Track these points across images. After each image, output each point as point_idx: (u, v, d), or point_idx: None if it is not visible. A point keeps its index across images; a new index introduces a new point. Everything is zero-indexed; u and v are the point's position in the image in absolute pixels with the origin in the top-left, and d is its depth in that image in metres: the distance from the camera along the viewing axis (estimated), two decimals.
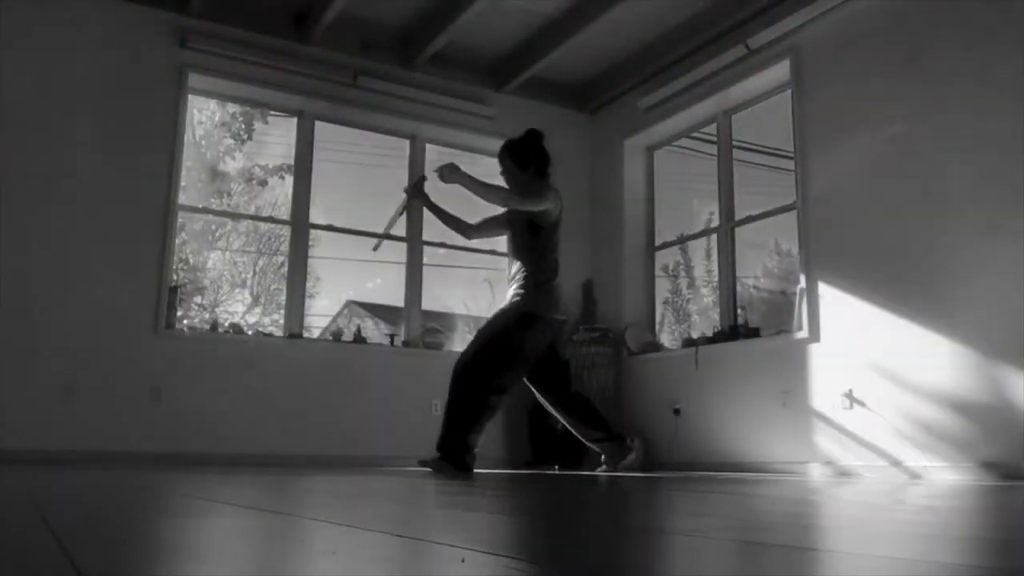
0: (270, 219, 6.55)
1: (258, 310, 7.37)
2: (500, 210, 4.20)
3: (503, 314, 4.05)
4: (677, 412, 5.73)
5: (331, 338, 6.08)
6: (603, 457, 4.28)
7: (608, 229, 6.68)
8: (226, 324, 5.80)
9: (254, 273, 7.49)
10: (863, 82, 4.83)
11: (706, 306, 6.70)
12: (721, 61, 5.66)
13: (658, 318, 6.63)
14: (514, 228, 4.14)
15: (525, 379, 4.13)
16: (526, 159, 4.13)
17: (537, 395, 4.20)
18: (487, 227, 4.36)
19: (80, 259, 5.04)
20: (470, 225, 4.39)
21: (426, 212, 4.75)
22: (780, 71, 5.43)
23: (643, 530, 1.36)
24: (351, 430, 5.60)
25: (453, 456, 3.92)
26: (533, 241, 4.04)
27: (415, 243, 6.33)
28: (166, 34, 5.49)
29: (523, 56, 6.29)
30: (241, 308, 7.07)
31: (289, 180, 6.29)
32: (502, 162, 4.24)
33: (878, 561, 0.96)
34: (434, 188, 4.44)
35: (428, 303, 6.42)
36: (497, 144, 6.70)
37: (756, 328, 5.57)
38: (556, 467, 5.77)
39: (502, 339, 3.96)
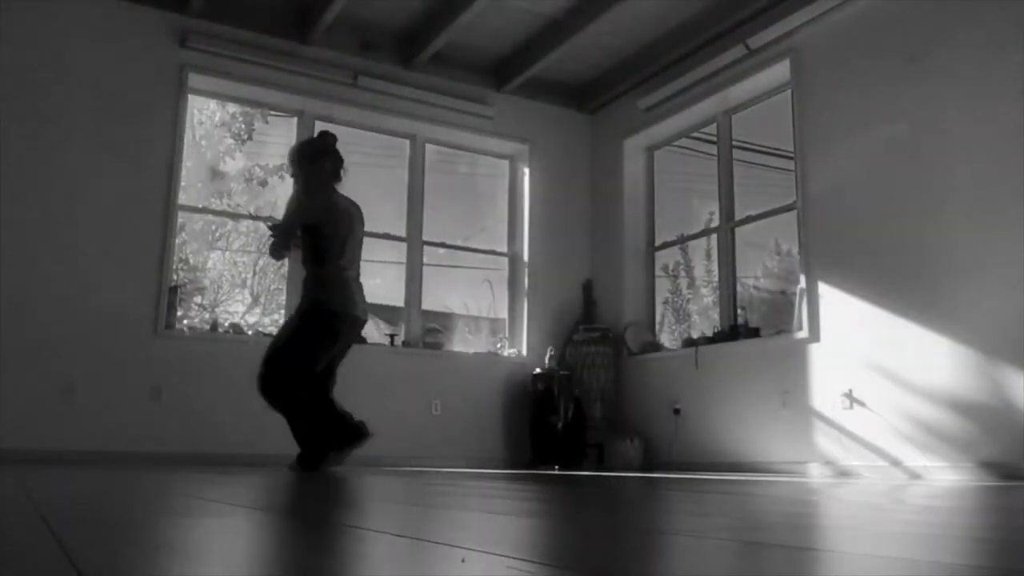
0: (270, 219, 6.55)
1: (258, 310, 7.36)
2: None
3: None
4: (677, 412, 5.73)
5: None
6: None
7: (608, 229, 6.68)
8: (226, 324, 5.80)
9: (254, 273, 7.48)
10: (863, 82, 4.83)
11: (706, 306, 6.70)
12: (721, 61, 5.65)
13: (658, 318, 6.63)
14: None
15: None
16: (316, 158, 3.93)
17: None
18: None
19: (80, 259, 5.04)
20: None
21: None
22: (780, 71, 5.43)
23: (643, 530, 1.36)
24: None
25: (311, 461, 3.83)
26: (316, 246, 3.83)
27: (415, 243, 6.33)
28: (166, 34, 5.49)
29: (523, 56, 6.28)
30: (241, 308, 7.06)
31: (289, 180, 6.28)
32: (292, 163, 4.03)
33: (878, 561, 0.96)
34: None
35: (428, 303, 6.42)
36: (497, 144, 6.77)
37: (756, 328, 5.57)
38: (556, 467, 5.77)
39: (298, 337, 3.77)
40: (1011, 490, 2.93)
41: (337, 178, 3.98)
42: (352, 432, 3.82)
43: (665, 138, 6.60)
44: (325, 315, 3.77)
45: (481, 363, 6.30)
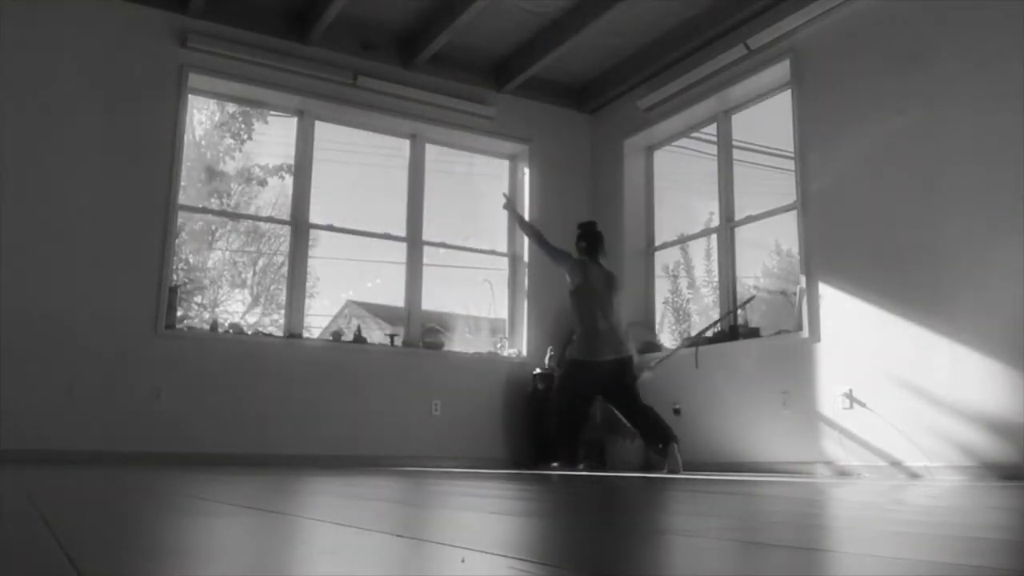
0: (270, 219, 6.54)
1: (258, 310, 7.36)
2: None
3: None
4: (677, 412, 5.72)
5: (331, 338, 6.08)
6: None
7: (608, 229, 6.66)
8: (226, 324, 5.79)
9: (254, 273, 7.48)
10: (863, 82, 4.82)
11: (706, 306, 6.70)
12: (721, 61, 5.65)
13: (658, 318, 6.62)
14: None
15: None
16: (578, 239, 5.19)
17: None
18: None
19: (80, 259, 5.04)
20: None
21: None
22: (780, 71, 5.43)
23: (643, 530, 1.36)
24: (351, 430, 5.59)
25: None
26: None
27: (415, 243, 6.33)
28: (166, 34, 5.49)
29: (523, 56, 6.28)
30: (241, 308, 7.06)
31: (289, 180, 6.28)
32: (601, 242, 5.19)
33: (878, 561, 0.96)
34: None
35: (428, 303, 6.42)
36: (497, 144, 6.77)
37: (756, 328, 5.57)
38: (555, 467, 5.76)
39: None
40: (1011, 490, 2.93)
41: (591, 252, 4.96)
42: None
43: (665, 138, 6.60)
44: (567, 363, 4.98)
45: (481, 363, 6.30)
